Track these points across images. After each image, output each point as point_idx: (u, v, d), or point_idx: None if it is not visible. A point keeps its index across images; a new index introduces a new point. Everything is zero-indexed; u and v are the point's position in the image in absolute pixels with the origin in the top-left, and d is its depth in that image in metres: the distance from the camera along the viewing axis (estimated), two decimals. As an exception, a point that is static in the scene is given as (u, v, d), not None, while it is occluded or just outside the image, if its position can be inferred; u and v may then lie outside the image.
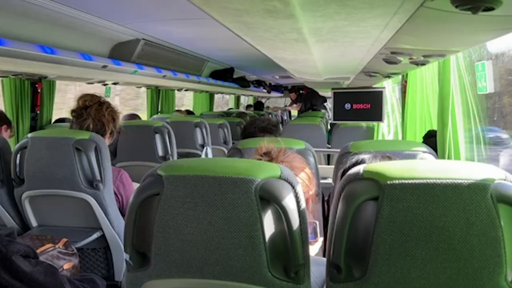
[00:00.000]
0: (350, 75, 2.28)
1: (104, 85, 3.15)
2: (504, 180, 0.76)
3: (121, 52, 2.80)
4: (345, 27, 0.87)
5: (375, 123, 3.84)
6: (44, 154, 1.76)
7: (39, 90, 2.61)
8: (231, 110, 7.65)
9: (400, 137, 3.19)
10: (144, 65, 2.94)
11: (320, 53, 1.28)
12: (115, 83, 3.13)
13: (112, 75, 2.76)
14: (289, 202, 0.83)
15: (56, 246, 1.65)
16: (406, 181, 0.77)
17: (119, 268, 1.89)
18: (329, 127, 5.19)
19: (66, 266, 1.64)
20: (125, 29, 2.58)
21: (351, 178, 0.83)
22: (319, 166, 1.90)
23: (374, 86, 3.49)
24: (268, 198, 0.82)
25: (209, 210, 0.83)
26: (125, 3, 2.12)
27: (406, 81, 2.57)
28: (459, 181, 0.75)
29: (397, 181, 0.77)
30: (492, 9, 0.66)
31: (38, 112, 2.65)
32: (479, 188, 0.74)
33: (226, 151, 3.68)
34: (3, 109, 2.52)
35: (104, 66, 2.43)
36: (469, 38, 0.99)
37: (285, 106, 9.78)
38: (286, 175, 0.86)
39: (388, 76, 2.27)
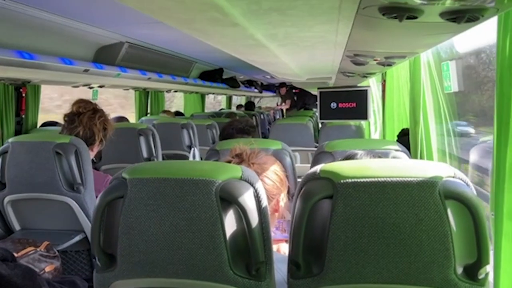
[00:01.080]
0: (330, 75, 2.31)
1: (90, 88, 3.17)
2: (453, 177, 0.79)
3: (106, 55, 2.81)
4: (298, 33, 0.89)
5: (362, 121, 3.87)
6: (25, 158, 1.77)
7: (23, 95, 2.62)
8: (223, 110, 7.66)
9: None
10: (129, 67, 2.95)
11: (288, 57, 1.30)
12: (101, 86, 3.15)
13: (96, 79, 2.77)
14: (248, 202, 0.85)
15: (38, 249, 1.66)
16: (359, 180, 0.79)
17: (102, 270, 1.90)
18: (320, 126, 5.21)
19: (47, 269, 1.65)
20: (108, 32, 2.60)
21: (309, 177, 0.86)
22: (304, 165, 1.92)
23: (359, 84, 3.52)
24: (227, 198, 0.85)
25: (171, 211, 0.86)
26: (107, 7, 2.13)
27: (385, 80, 2.60)
28: (409, 179, 0.78)
29: (350, 180, 0.80)
30: (415, 17, 0.68)
31: (23, 116, 2.66)
32: (427, 186, 0.77)
33: (214, 152, 3.69)
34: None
35: (86, 70, 2.44)
36: (416, 42, 1.02)
37: (277, 104, 9.76)
38: (246, 175, 0.89)
39: (365, 76, 2.30)
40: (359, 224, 0.79)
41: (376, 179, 0.79)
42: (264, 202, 0.89)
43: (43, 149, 1.76)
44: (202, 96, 6.59)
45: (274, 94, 10.31)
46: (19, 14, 1.95)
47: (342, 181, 0.80)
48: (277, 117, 9.61)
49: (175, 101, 7.39)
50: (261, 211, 0.87)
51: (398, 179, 0.78)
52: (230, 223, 0.87)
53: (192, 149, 3.40)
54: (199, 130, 3.54)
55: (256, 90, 8.44)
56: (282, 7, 0.66)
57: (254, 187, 0.88)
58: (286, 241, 1.30)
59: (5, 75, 2.03)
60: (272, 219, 1.17)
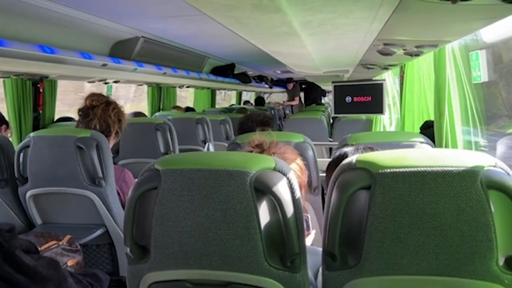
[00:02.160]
0: (348, 67, 2.28)
1: (105, 83, 3.18)
2: (494, 166, 0.78)
3: (121, 50, 2.81)
4: (334, 20, 0.88)
5: (376, 115, 3.84)
6: (46, 152, 1.78)
7: (41, 90, 2.64)
8: (233, 106, 7.66)
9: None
10: (144, 62, 2.95)
11: (315, 46, 1.29)
12: (116, 81, 3.15)
13: (112, 73, 2.78)
14: (283, 193, 0.84)
15: (60, 243, 1.67)
16: (398, 170, 0.78)
17: (123, 263, 1.92)
18: (331, 120, 5.20)
19: (70, 263, 1.67)
20: (124, 27, 2.60)
21: (345, 168, 0.84)
22: (321, 159, 1.91)
23: (374, 78, 3.49)
24: (263, 189, 0.84)
25: (206, 202, 0.85)
26: (124, 1, 2.13)
27: (404, 73, 2.57)
28: (449, 168, 0.76)
29: (388, 170, 0.78)
30: (469, -1, 0.67)
31: (41, 111, 2.68)
32: (469, 175, 0.76)
33: (228, 147, 3.68)
34: (5, 110, 2.55)
35: (104, 65, 2.45)
36: (458, 27, 1.00)
37: (284, 101, 9.72)
38: (280, 166, 0.88)
39: (385, 68, 2.27)
40: (398, 214, 0.78)
41: (415, 169, 0.77)
42: (297, 192, 0.88)
43: (64, 143, 1.76)
44: (213, 92, 6.59)
45: (284, 90, 10.28)
46: (38, 8, 1.96)
47: (380, 171, 0.79)
48: (287, 112, 9.58)
49: (185, 97, 7.40)
50: (295, 201, 0.86)
51: (438, 168, 0.77)
52: (264, 214, 0.86)
53: (207, 144, 3.40)
54: (213, 125, 3.54)
55: (266, 86, 8.42)
56: (329, -10, 0.65)
57: (287, 177, 0.87)
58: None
59: (26, 70, 2.04)
60: None
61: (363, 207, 0.81)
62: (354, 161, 0.83)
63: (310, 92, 8.78)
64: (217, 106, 7.05)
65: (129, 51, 2.83)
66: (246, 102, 9.63)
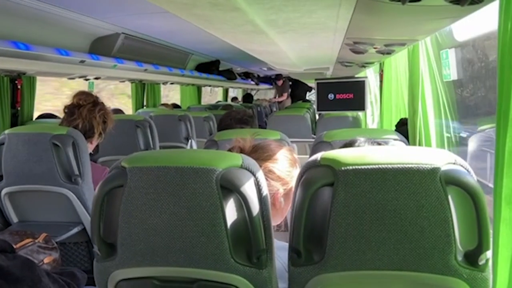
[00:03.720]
0: (327, 65, 2.30)
1: (86, 79, 3.14)
2: (454, 163, 0.79)
3: (101, 47, 2.79)
4: (299, 19, 0.88)
5: (359, 112, 3.88)
6: (22, 150, 1.76)
7: (19, 87, 2.60)
8: (219, 103, 7.64)
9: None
10: (125, 59, 2.93)
11: (286, 45, 1.29)
12: (97, 78, 3.12)
13: (92, 70, 2.75)
14: (249, 190, 0.85)
15: (36, 241, 1.66)
16: (359, 167, 0.79)
17: (101, 261, 1.91)
18: (316, 117, 5.22)
19: (46, 260, 1.65)
20: (104, 23, 2.57)
21: (310, 165, 0.86)
22: (303, 156, 1.92)
23: (356, 76, 3.52)
24: (228, 187, 0.85)
25: (172, 200, 0.85)
26: (102, -3, 2.12)
27: (382, 71, 2.60)
28: (409, 165, 0.78)
29: (350, 167, 0.80)
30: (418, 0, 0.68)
31: (19, 108, 2.65)
32: (428, 172, 0.77)
33: (212, 144, 3.68)
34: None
35: (82, 61, 2.42)
36: (419, 27, 1.01)
37: (271, 98, 9.70)
38: (247, 164, 0.88)
39: (363, 65, 2.29)
40: (360, 211, 0.79)
41: (377, 166, 0.79)
42: (265, 190, 0.89)
43: (40, 140, 1.75)
44: (199, 89, 6.57)
45: (271, 87, 10.28)
46: (14, 4, 1.93)
47: (342, 168, 0.80)
48: (274, 109, 9.58)
49: (170, 94, 7.36)
50: (261, 199, 0.87)
51: (399, 165, 0.78)
52: (230, 212, 0.87)
53: (189, 141, 3.39)
54: (196, 122, 3.53)
55: (253, 82, 8.42)
56: (284, -10, 0.66)
57: (254, 176, 0.88)
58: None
59: (1, 66, 2.01)
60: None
61: (327, 204, 0.83)
62: (318, 158, 0.85)
63: (296, 88, 8.79)
64: (203, 103, 7.02)
65: (110, 48, 2.80)
66: (234, 98, 9.61)
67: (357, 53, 1.40)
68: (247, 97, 9.16)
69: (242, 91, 10.39)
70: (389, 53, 1.44)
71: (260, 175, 0.89)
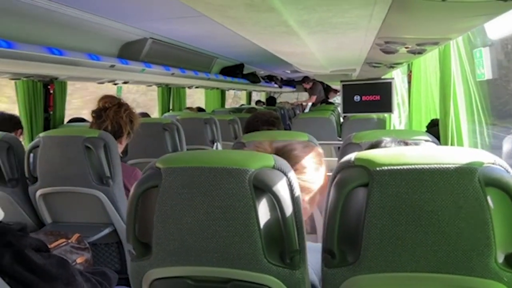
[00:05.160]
0: (355, 66, 2.28)
1: (115, 84, 3.22)
2: (493, 164, 0.77)
3: (130, 52, 2.85)
4: (331, 19, 0.88)
5: (385, 114, 3.83)
6: (55, 152, 1.82)
7: (51, 91, 2.68)
8: (243, 106, 7.67)
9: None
10: (152, 63, 2.98)
11: (316, 46, 1.29)
12: (125, 82, 3.19)
13: (121, 74, 2.82)
14: (282, 191, 0.85)
15: (69, 241, 1.70)
16: (395, 167, 0.78)
17: (131, 262, 1.94)
18: (341, 120, 5.18)
19: (79, 260, 1.69)
20: (132, 28, 2.63)
21: (343, 165, 0.85)
22: (329, 159, 1.90)
23: (383, 77, 3.48)
24: (261, 187, 0.85)
25: (206, 200, 0.86)
26: (132, 3, 2.16)
27: (411, 71, 2.56)
28: (447, 165, 0.76)
29: (386, 168, 0.79)
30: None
31: (51, 112, 2.73)
32: (466, 172, 0.76)
33: (237, 147, 3.70)
34: (17, 111, 2.60)
35: (112, 66, 2.48)
36: (455, 24, 0.99)
37: (297, 100, 9.66)
38: (279, 164, 0.88)
39: (391, 66, 2.26)
40: (396, 212, 0.78)
41: (413, 166, 0.78)
42: (297, 191, 0.88)
43: (73, 143, 1.79)
44: (222, 92, 6.62)
45: (294, 90, 10.25)
46: (48, 11, 1.99)
47: (377, 168, 0.79)
48: (297, 112, 9.55)
49: (194, 97, 7.43)
50: (294, 199, 0.87)
51: (436, 166, 0.77)
52: (263, 212, 0.87)
53: (215, 143, 3.42)
54: (221, 125, 3.55)
55: (276, 85, 8.41)
56: (322, -10, 0.66)
57: (287, 176, 0.88)
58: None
59: (36, 71, 2.08)
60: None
61: (361, 204, 0.82)
62: (352, 158, 0.84)
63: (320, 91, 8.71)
64: (226, 107, 7.06)
65: (138, 52, 2.86)
66: (258, 101, 9.63)
67: (387, 53, 1.38)
68: (271, 100, 9.16)
69: (265, 94, 10.40)
70: (420, 52, 1.42)
71: (292, 175, 0.89)
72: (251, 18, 0.83)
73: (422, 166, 0.77)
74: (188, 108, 4.99)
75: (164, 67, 3.17)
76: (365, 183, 0.80)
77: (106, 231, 1.87)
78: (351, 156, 0.85)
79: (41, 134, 1.87)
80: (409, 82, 2.67)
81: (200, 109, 5.39)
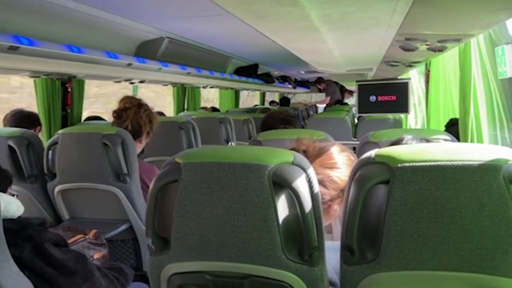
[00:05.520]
0: (372, 65, 2.26)
1: (131, 83, 3.25)
2: None
3: (146, 51, 2.87)
4: (353, 13, 0.87)
5: (401, 115, 3.79)
6: (74, 149, 1.84)
7: (69, 90, 2.72)
8: (257, 106, 7.67)
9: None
10: (168, 62, 3.00)
11: (335, 42, 1.28)
12: (141, 81, 3.22)
13: (138, 73, 2.84)
14: (301, 187, 0.85)
15: (86, 237, 1.72)
16: (417, 164, 0.77)
17: (146, 258, 1.95)
18: (356, 121, 5.15)
19: (96, 256, 1.71)
20: (149, 27, 2.65)
21: (363, 162, 0.84)
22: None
23: (399, 77, 3.44)
24: (280, 183, 0.85)
25: (224, 195, 0.87)
26: (149, 2, 2.18)
27: (429, 70, 2.53)
28: (470, 162, 0.75)
29: (407, 164, 0.78)
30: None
31: (69, 110, 2.77)
32: (490, 169, 0.74)
33: (251, 146, 3.71)
34: (35, 109, 2.65)
35: (129, 64, 2.51)
36: (479, 19, 0.97)
37: (312, 100, 9.62)
38: (298, 160, 0.88)
39: (410, 65, 2.23)
40: (418, 209, 0.77)
41: (435, 163, 0.77)
42: (316, 187, 0.88)
43: (91, 140, 1.82)
44: (236, 92, 6.63)
45: (308, 90, 10.22)
46: (67, 9, 2.02)
47: (399, 165, 0.78)
48: (311, 113, 9.52)
49: (209, 97, 7.46)
50: (313, 196, 0.86)
51: (459, 162, 0.76)
52: (282, 208, 0.87)
53: (229, 143, 3.43)
54: (236, 125, 3.56)
55: (290, 86, 8.40)
56: (346, -18, 0.65)
57: (306, 172, 0.88)
58: None
59: (55, 69, 2.11)
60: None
61: (381, 201, 0.81)
62: (373, 155, 0.83)
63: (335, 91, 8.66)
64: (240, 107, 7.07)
65: (154, 51, 2.89)
66: (272, 102, 9.63)
67: (406, 50, 1.36)
68: (285, 101, 9.15)
69: (278, 95, 10.39)
70: (440, 50, 1.40)
71: (311, 171, 0.89)
72: (274, 12, 0.83)
73: (445, 162, 0.76)
74: (203, 107, 5.02)
75: (180, 66, 3.19)
76: (386, 180, 0.79)
77: (123, 227, 1.89)
78: (371, 152, 0.84)
79: (60, 131, 1.90)
80: (427, 82, 2.64)
81: (214, 109, 5.41)
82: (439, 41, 1.25)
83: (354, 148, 4.06)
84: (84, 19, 2.21)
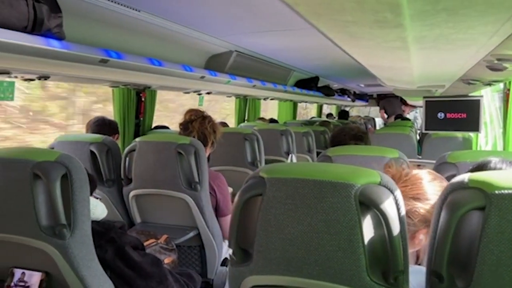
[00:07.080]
0: (445, 83, 2.19)
1: (199, 94, 3.36)
2: None
3: (215, 64, 2.97)
4: (451, 35, 0.86)
5: (471, 133, 3.61)
6: (150, 156, 1.94)
7: (142, 99, 2.87)
8: (314, 118, 7.63)
9: (500, 149, 2.97)
10: (235, 75, 3.08)
11: (419, 61, 1.26)
12: (208, 93, 3.33)
13: (208, 85, 2.94)
14: (389, 209, 0.84)
15: (158, 242, 1.80)
16: None
17: (212, 266, 2.00)
18: (417, 137, 4.97)
19: (166, 261, 1.78)
20: (220, 41, 2.74)
21: (456, 186, 0.82)
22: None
23: (470, 94, 3.29)
24: (368, 203, 0.84)
25: (309, 212, 0.87)
26: (220, 17, 2.26)
27: (509, 89, 2.40)
28: None
29: (506, 191, 0.75)
30: None
31: (142, 119, 2.91)
32: None
33: (310, 159, 3.70)
34: (112, 116, 2.81)
35: (202, 77, 2.61)
36: None
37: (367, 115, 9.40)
38: (385, 181, 0.87)
39: (489, 83, 2.13)
40: None
41: None
42: (403, 210, 0.87)
43: (166, 148, 1.91)
44: (295, 104, 6.64)
45: (367, 104, 10.02)
46: (145, 23, 2.14)
47: (496, 192, 0.75)
48: (369, 126, 9.31)
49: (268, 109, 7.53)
50: (400, 218, 0.85)
51: None
52: (367, 229, 0.86)
53: (290, 155, 3.44)
54: (295, 137, 3.56)
55: (349, 99, 8.28)
56: (456, 6, 0.64)
57: (393, 194, 0.87)
58: None
59: (135, 80, 2.24)
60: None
61: (474, 227, 0.78)
62: (466, 179, 0.81)
63: (390, 104, 8.42)
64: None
65: (223, 64, 2.98)
66: (330, 115, 9.53)
67: (493, 70, 1.31)
68: (343, 114, 9.01)
69: (336, 107, 10.27)
70: (535, 69, 1.33)
71: (398, 194, 0.88)
72: (371, 33, 0.83)
73: None
74: (260, 118, 5.07)
75: (247, 79, 3.26)
76: (481, 207, 0.77)
77: (191, 234, 1.96)
78: (464, 177, 0.82)
79: (137, 139, 2.01)
80: (506, 100, 2.51)
81: (272, 120, 5.45)
82: (538, 61, 1.19)
83: (418, 166, 3.93)
84: (160, 32, 2.33)
